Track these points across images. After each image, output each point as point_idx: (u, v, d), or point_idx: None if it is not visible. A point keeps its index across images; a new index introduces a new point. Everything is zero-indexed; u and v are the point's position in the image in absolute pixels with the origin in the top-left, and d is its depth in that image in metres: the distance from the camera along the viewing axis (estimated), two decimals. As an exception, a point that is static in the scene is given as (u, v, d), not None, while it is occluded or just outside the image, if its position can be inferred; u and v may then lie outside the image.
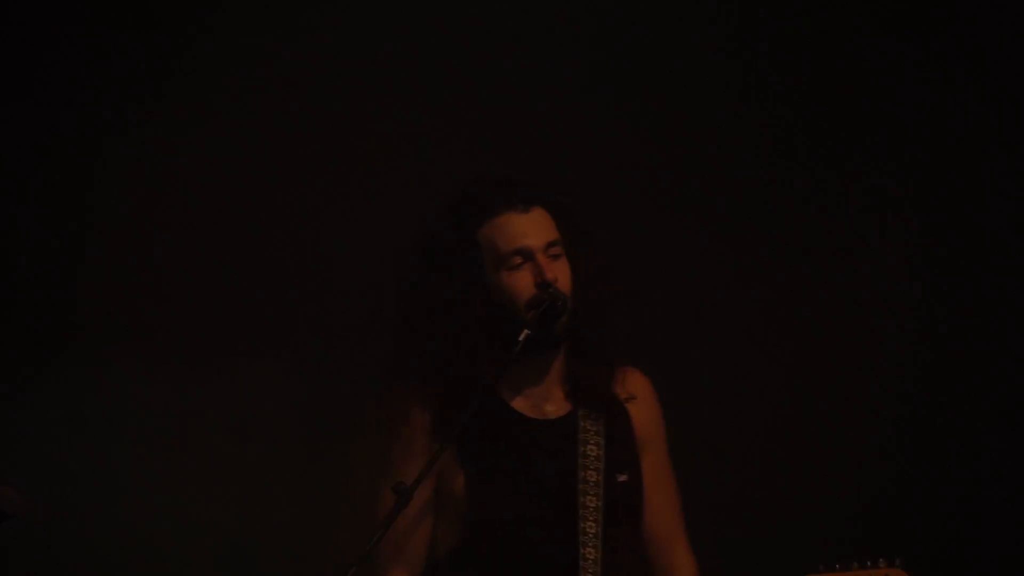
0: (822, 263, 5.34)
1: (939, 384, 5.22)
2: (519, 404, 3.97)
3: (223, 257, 5.42)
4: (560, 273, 3.90)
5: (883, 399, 5.20)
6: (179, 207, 5.42)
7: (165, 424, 5.37)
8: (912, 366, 5.24)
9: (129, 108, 5.44)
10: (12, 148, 5.40)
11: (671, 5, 5.37)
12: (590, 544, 3.87)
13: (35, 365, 5.32)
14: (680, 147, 5.35)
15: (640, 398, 4.07)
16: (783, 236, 5.34)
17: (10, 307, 5.38)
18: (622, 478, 3.96)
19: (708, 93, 5.38)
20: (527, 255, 3.89)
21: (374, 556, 3.75)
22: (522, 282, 3.88)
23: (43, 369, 5.33)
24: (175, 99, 5.44)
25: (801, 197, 5.36)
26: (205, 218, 5.44)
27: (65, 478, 5.26)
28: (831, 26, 5.37)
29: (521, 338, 3.82)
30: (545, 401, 3.99)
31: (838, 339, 5.28)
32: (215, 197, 5.43)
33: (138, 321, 5.42)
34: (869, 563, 3.82)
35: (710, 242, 5.31)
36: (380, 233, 5.24)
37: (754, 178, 5.37)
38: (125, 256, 5.41)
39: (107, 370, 5.32)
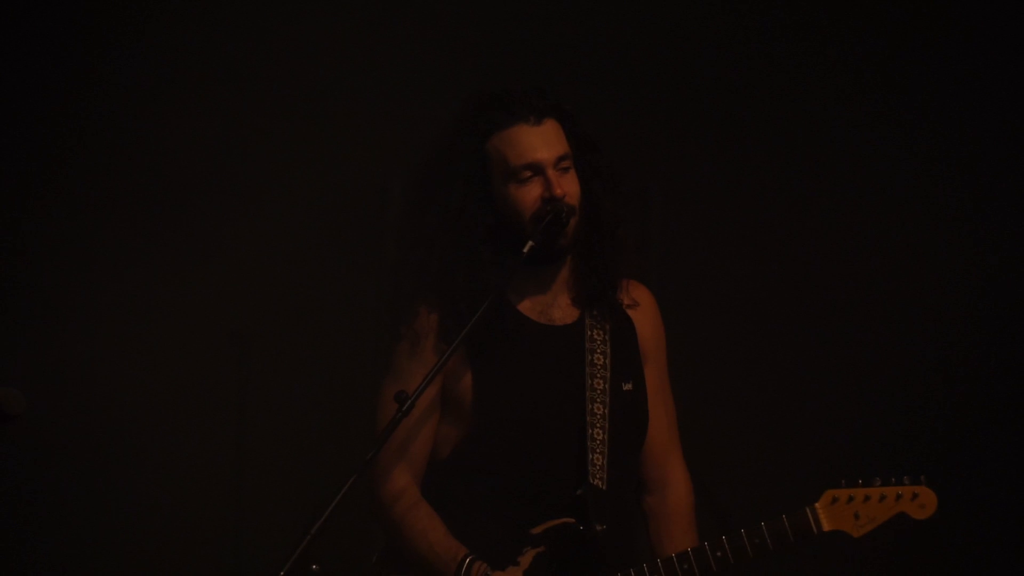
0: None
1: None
2: (526, 309, 4.00)
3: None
4: (569, 187, 3.91)
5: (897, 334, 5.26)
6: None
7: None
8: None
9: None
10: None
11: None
12: (597, 451, 3.92)
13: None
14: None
15: (644, 309, 4.10)
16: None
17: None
18: (627, 387, 4.01)
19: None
20: (537, 169, 3.90)
21: (376, 460, 3.77)
22: (530, 196, 3.89)
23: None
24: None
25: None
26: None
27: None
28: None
29: (526, 250, 3.84)
30: (552, 308, 4.02)
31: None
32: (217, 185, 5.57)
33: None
34: (893, 479, 3.84)
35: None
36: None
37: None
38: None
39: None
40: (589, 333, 4.01)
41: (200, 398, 5.47)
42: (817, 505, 3.79)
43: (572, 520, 3.87)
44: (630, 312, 4.07)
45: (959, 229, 5.30)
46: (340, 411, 5.39)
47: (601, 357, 4.00)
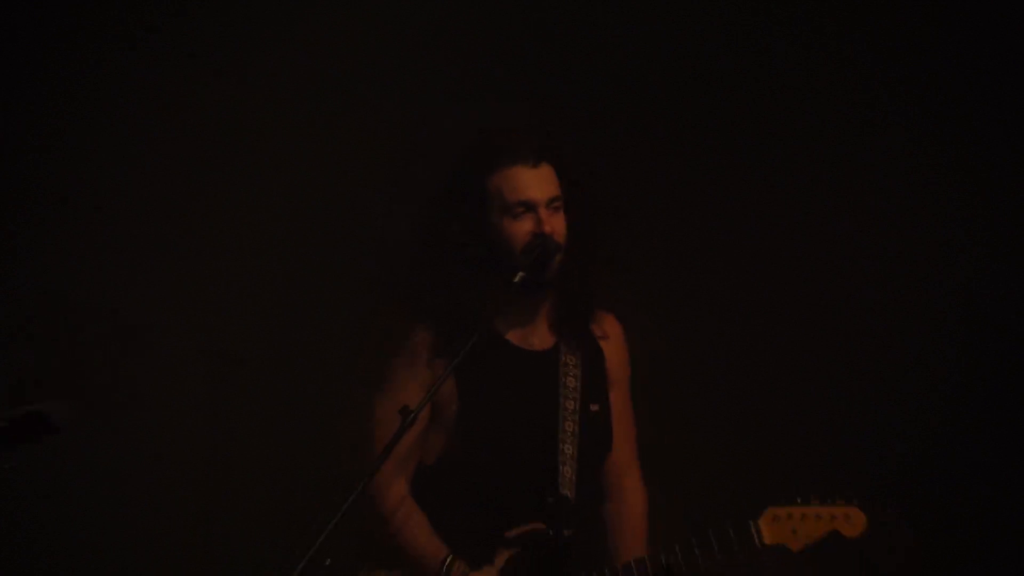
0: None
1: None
2: (509, 334, 4.40)
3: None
4: (557, 225, 4.30)
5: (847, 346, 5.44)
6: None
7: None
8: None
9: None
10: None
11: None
12: (567, 464, 4.33)
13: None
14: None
15: (612, 340, 4.52)
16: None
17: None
18: (595, 408, 4.42)
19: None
20: (530, 207, 4.29)
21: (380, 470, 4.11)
22: (522, 229, 4.28)
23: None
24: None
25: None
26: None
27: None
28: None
29: (516, 279, 4.23)
30: (531, 335, 4.43)
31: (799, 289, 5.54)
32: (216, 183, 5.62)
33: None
34: (829, 500, 4.25)
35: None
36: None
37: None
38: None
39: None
40: (563, 359, 4.40)
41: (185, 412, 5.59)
42: (760, 521, 4.20)
43: (543, 525, 4.27)
44: (601, 342, 4.48)
45: (935, 234, 5.46)
46: (320, 423, 5.48)
47: (573, 380, 4.39)
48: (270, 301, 5.59)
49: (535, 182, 4.30)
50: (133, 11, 5.56)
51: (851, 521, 4.21)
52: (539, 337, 4.43)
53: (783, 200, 5.48)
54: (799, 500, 4.24)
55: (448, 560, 4.25)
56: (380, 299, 4.57)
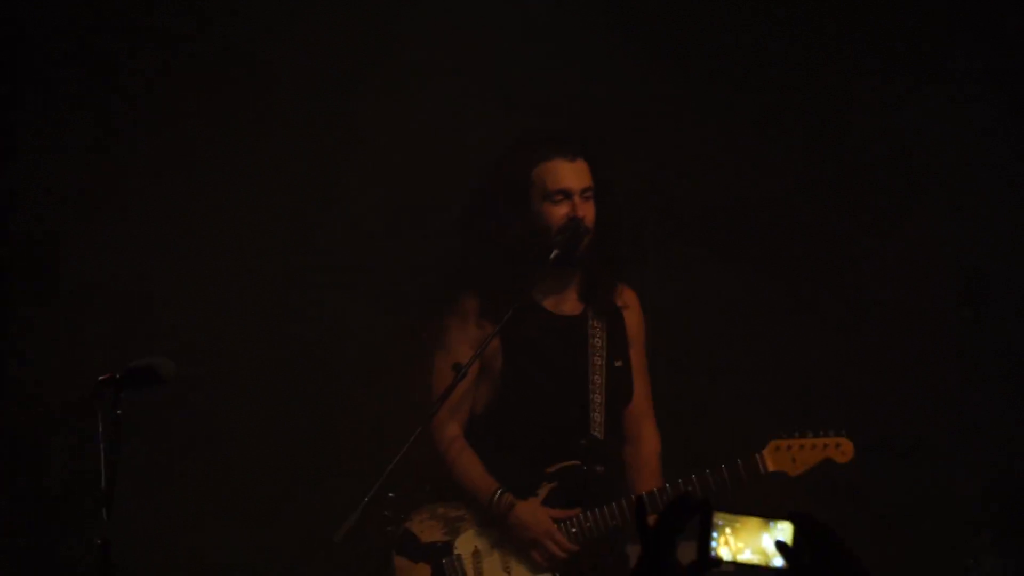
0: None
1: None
2: (545, 302, 5.04)
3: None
4: (588, 212, 4.93)
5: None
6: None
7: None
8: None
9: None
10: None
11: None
12: (597, 410, 4.97)
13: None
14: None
15: (631, 308, 5.14)
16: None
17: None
18: (618, 363, 5.06)
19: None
20: (567, 194, 4.92)
21: (436, 415, 4.79)
22: (559, 213, 4.91)
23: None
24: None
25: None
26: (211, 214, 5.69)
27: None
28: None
29: (552, 256, 4.87)
30: (563, 302, 5.06)
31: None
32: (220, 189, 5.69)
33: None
34: (822, 432, 4.87)
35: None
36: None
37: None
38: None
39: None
40: (591, 322, 5.03)
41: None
42: (764, 451, 4.81)
43: (578, 462, 4.91)
44: (622, 310, 5.10)
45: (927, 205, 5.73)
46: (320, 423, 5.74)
47: (599, 341, 5.02)
48: (270, 300, 5.74)
49: (572, 174, 4.93)
50: (144, 13, 5.69)
51: (841, 449, 4.82)
52: (570, 304, 5.05)
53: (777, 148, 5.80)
54: (797, 433, 4.85)
55: (498, 493, 4.88)
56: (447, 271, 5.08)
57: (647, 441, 5.10)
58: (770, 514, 2.54)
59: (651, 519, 2.57)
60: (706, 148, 5.77)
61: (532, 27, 5.73)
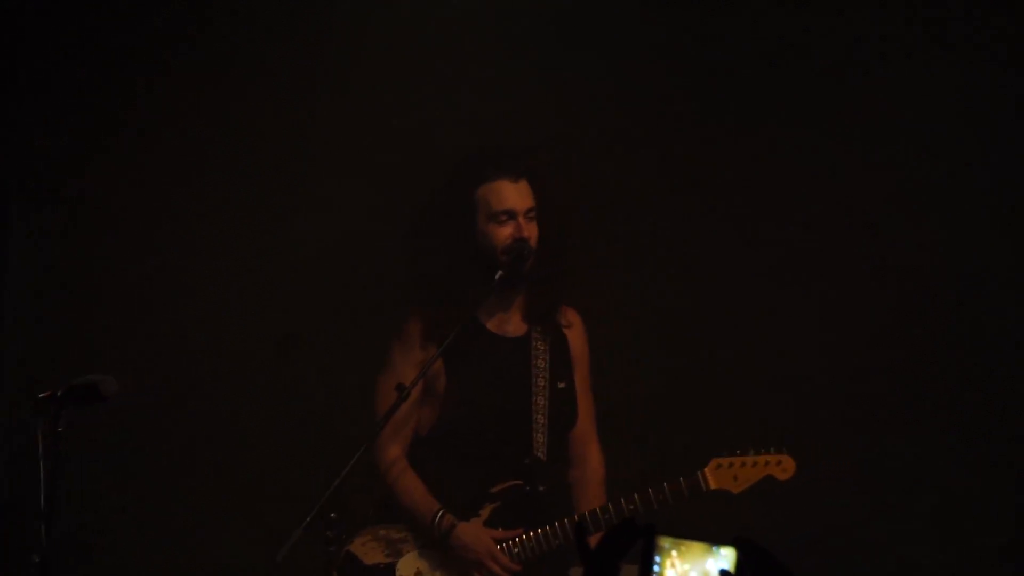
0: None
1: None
2: (489, 324, 5.05)
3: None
4: (532, 232, 4.95)
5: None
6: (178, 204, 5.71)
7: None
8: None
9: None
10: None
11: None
12: (539, 431, 4.98)
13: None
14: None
15: (575, 328, 5.16)
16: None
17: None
18: (561, 385, 5.07)
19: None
20: (511, 215, 4.94)
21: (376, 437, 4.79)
22: (503, 234, 4.93)
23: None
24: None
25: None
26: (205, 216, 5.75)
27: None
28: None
29: (497, 277, 4.89)
30: (507, 323, 5.07)
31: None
32: (213, 195, 5.75)
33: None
34: (763, 449, 4.90)
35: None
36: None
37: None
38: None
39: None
40: (534, 343, 5.05)
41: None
42: (706, 470, 4.83)
43: (520, 482, 4.92)
44: (565, 330, 5.11)
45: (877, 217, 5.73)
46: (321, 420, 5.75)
47: (542, 361, 5.03)
48: (276, 300, 5.81)
49: (516, 194, 4.95)
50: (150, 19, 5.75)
51: (782, 466, 4.85)
52: (513, 325, 5.07)
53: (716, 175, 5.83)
54: (738, 451, 4.87)
55: (439, 513, 4.87)
56: (385, 292, 5.12)
57: (591, 461, 5.12)
58: (714, 538, 2.55)
59: (593, 540, 2.57)
60: (654, 168, 5.82)
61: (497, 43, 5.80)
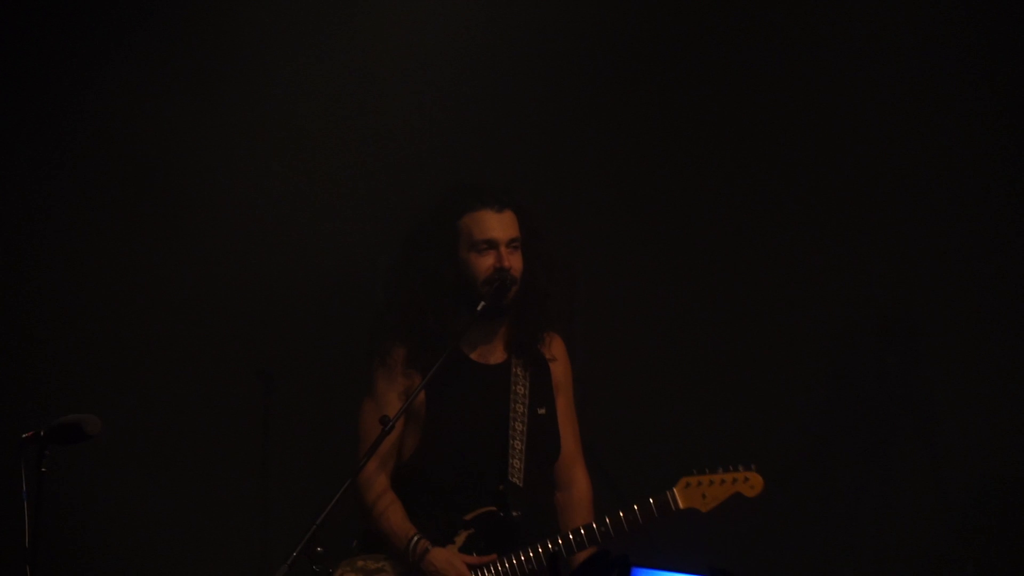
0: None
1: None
2: (472, 353, 5.09)
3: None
4: (515, 262, 4.99)
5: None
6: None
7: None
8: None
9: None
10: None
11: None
12: (516, 457, 5.01)
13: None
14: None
15: (558, 356, 5.20)
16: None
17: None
18: (541, 411, 5.10)
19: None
20: (493, 245, 4.98)
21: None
22: (485, 264, 4.98)
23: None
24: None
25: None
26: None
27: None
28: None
29: (479, 308, 4.94)
30: (489, 352, 5.12)
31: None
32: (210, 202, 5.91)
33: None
34: (731, 467, 4.91)
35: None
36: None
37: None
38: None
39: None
40: (514, 370, 5.08)
41: (227, 430, 5.96)
42: (675, 489, 4.86)
43: (495, 508, 4.95)
44: (548, 359, 5.15)
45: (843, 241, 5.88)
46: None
47: (522, 388, 5.07)
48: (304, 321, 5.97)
49: (499, 224, 5.00)
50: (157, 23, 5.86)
51: (750, 483, 4.85)
52: (495, 354, 5.11)
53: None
54: (707, 470, 4.89)
55: (414, 539, 4.91)
56: (373, 321, 5.17)
57: (578, 485, 5.15)
58: (690, 569, 2.54)
59: (580, 557, 2.54)
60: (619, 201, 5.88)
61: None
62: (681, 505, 4.87)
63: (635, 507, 4.86)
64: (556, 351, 5.18)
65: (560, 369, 5.18)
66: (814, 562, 5.67)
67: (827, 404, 5.75)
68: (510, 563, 4.90)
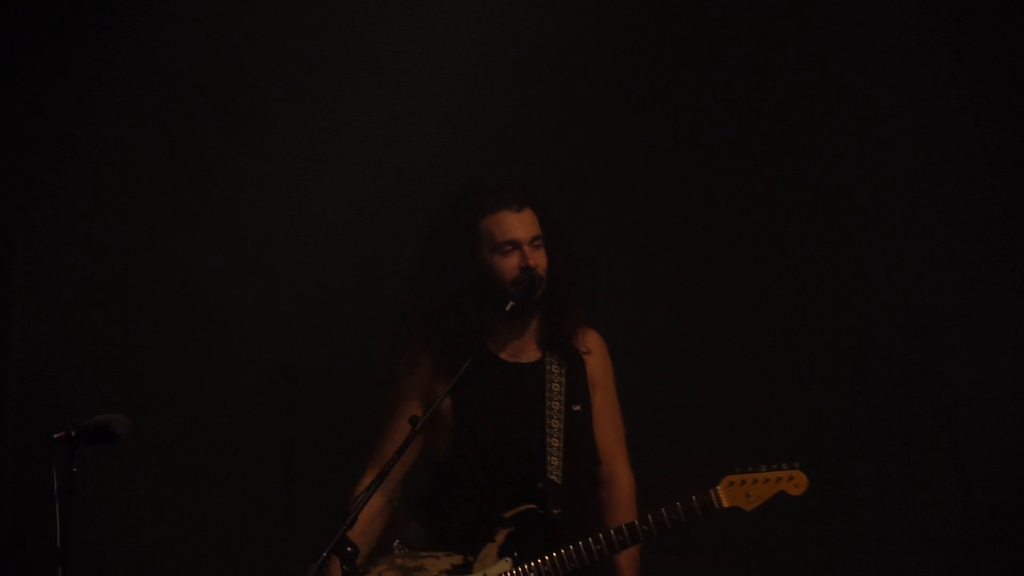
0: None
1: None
2: (502, 353, 5.06)
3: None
4: (539, 260, 4.96)
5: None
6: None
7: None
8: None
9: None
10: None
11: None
12: (554, 454, 4.97)
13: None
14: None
15: (594, 351, 5.14)
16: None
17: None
18: (576, 408, 5.05)
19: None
20: (516, 245, 4.95)
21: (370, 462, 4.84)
22: (510, 264, 4.95)
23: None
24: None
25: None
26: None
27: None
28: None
29: (508, 308, 4.91)
30: (520, 351, 5.08)
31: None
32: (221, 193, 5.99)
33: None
34: (775, 466, 4.88)
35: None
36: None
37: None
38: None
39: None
40: (548, 367, 5.04)
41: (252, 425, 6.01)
42: (718, 488, 4.82)
43: (534, 506, 4.92)
44: (583, 354, 5.10)
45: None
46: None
47: (557, 385, 5.03)
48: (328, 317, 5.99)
49: (519, 224, 4.96)
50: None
51: (794, 481, 4.83)
52: (527, 352, 5.07)
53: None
54: (750, 468, 4.87)
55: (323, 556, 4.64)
56: (395, 322, 5.13)
57: (620, 481, 5.12)
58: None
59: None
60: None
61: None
62: (725, 504, 4.85)
63: (678, 505, 4.83)
64: (591, 344, 5.14)
65: (596, 363, 5.14)
66: (838, 555, 5.68)
67: (851, 398, 5.76)
68: (551, 561, 4.86)
